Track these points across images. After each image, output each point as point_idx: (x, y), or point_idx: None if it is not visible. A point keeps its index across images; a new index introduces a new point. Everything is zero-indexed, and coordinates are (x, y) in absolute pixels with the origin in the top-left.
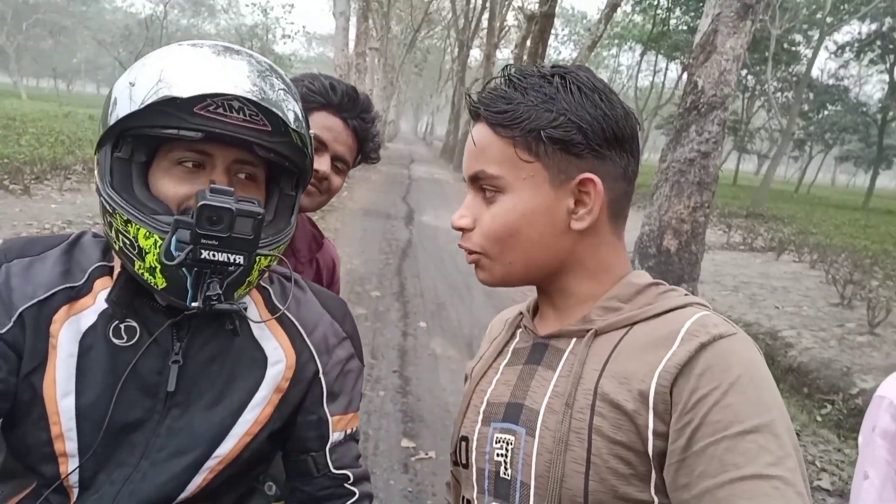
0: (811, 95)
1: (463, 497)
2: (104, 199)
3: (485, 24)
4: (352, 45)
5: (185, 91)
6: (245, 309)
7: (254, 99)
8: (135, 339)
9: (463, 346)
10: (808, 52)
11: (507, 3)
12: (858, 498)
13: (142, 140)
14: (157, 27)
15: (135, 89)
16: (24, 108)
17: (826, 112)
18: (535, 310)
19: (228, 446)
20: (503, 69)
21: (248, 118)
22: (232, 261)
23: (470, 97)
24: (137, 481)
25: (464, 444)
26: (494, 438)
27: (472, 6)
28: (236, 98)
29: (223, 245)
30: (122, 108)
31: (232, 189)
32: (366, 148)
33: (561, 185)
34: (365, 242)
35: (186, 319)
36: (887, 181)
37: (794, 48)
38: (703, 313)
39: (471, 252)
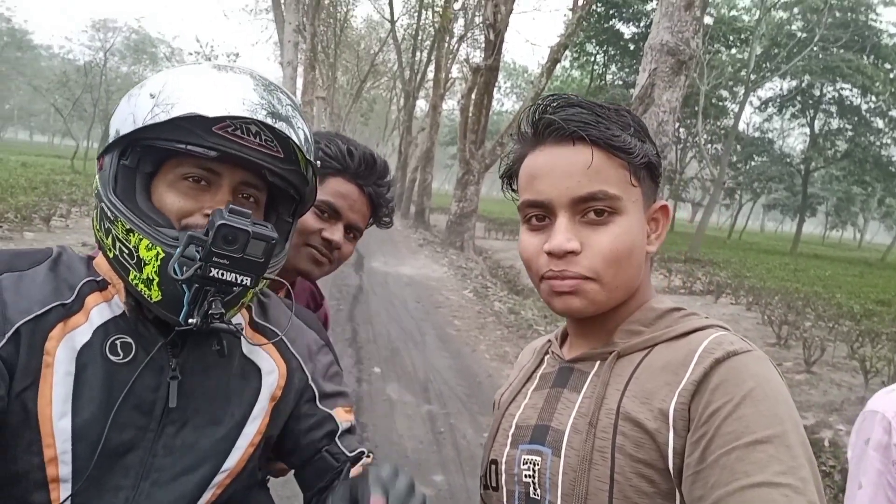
0: (739, 147)
1: None
2: (106, 205)
3: (430, 75)
4: (299, 93)
5: (211, 110)
6: (242, 329)
7: (276, 127)
8: (131, 356)
9: (419, 391)
10: (735, 107)
11: (451, 55)
12: None
13: (150, 150)
14: (97, 74)
15: (158, 101)
16: None
17: (753, 163)
18: (563, 337)
19: (235, 459)
20: (553, 97)
21: (262, 143)
22: (239, 281)
23: (552, 116)
24: (142, 503)
25: (493, 467)
26: (522, 460)
27: (417, 58)
28: (255, 122)
29: (233, 265)
30: (143, 118)
31: (249, 211)
32: (379, 213)
33: (645, 211)
34: None
35: (180, 336)
36: (812, 228)
37: (721, 103)
38: (720, 333)
39: (576, 277)
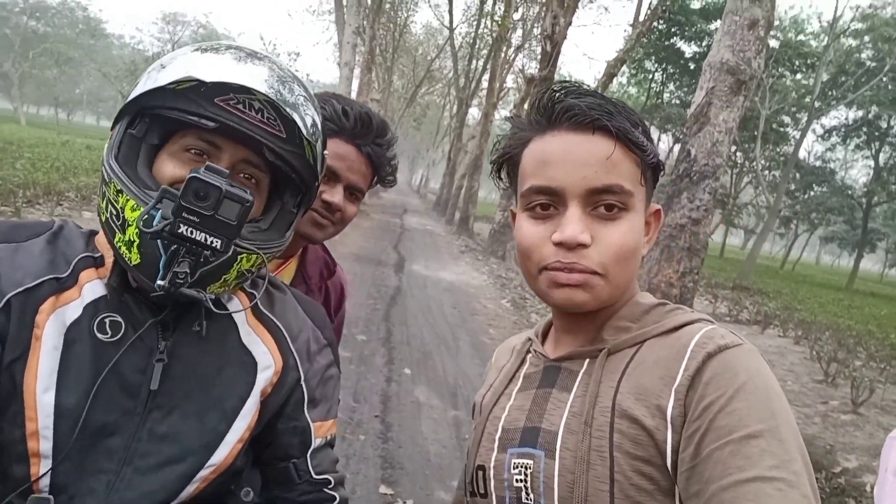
0: (798, 175)
1: None
2: (104, 167)
3: (485, 84)
4: (354, 94)
5: (210, 76)
6: (211, 298)
7: (274, 100)
8: (119, 335)
9: (447, 396)
10: (796, 134)
11: (507, 65)
12: None
13: (157, 122)
14: None
15: (163, 71)
16: (22, 133)
17: (812, 192)
18: (543, 335)
19: (222, 454)
20: (574, 84)
21: (265, 119)
22: (209, 243)
23: (575, 101)
24: (123, 490)
25: (480, 473)
26: (512, 464)
27: (473, 67)
28: (258, 98)
29: (204, 224)
30: (147, 84)
31: (227, 171)
32: (381, 172)
33: (644, 212)
34: (354, 286)
35: (172, 318)
36: (870, 265)
37: (782, 129)
38: (710, 327)
39: (585, 272)
